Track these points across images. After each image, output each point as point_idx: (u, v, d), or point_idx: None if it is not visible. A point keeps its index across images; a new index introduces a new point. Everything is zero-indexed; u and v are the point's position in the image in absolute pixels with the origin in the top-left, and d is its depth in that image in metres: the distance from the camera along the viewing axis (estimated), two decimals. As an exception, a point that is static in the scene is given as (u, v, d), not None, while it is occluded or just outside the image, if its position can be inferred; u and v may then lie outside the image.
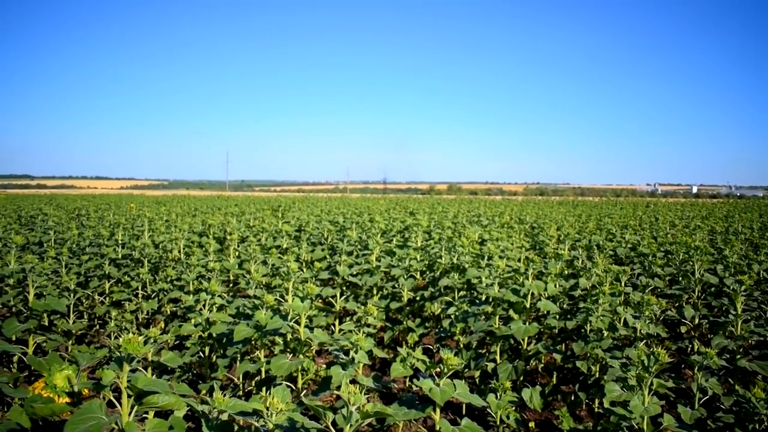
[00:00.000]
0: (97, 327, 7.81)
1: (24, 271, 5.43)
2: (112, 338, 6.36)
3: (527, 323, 5.16)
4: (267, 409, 2.21)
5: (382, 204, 29.85)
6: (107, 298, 7.86)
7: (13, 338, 4.99)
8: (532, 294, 5.45)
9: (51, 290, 5.88)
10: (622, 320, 5.32)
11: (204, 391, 4.93)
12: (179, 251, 9.70)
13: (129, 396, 2.48)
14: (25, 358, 4.55)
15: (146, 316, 7.35)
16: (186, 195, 57.16)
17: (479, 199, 43.01)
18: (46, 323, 5.94)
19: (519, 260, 7.89)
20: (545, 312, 5.44)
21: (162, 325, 7.13)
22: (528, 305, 5.42)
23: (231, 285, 8.23)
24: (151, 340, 2.86)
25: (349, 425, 2.04)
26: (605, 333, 5.07)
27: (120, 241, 9.62)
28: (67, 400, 2.92)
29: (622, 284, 6.34)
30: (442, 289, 7.38)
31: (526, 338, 5.19)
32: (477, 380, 5.67)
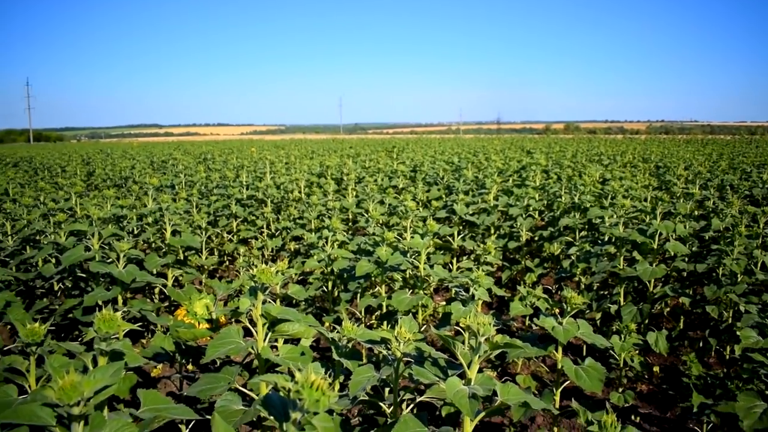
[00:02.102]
0: (227, 263, 8.27)
1: (161, 210, 5.79)
2: (242, 273, 6.70)
3: (654, 265, 4.95)
4: (395, 338, 2.26)
5: (497, 144, 29.32)
6: (235, 236, 8.28)
7: (154, 272, 5.35)
8: (660, 234, 5.21)
9: (185, 228, 6.24)
10: (759, 264, 4.99)
11: (327, 323, 5.12)
12: (300, 191, 10.00)
13: (263, 324, 2.61)
14: (165, 290, 4.90)
15: (271, 254, 7.68)
16: (302, 139, 58.62)
17: (598, 138, 41.25)
18: (182, 258, 6.33)
19: (645, 200, 7.55)
20: (673, 254, 5.19)
21: (286, 261, 7.44)
22: (655, 246, 5.20)
23: (350, 223, 8.42)
24: (281, 273, 2.98)
25: (477, 356, 2.05)
26: (740, 277, 4.79)
27: (244, 183, 10.03)
28: (207, 326, 3.12)
29: (760, 226, 5.92)
30: (561, 229, 7.21)
31: (653, 280, 4.99)
32: (598, 322, 5.55)
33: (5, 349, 3.24)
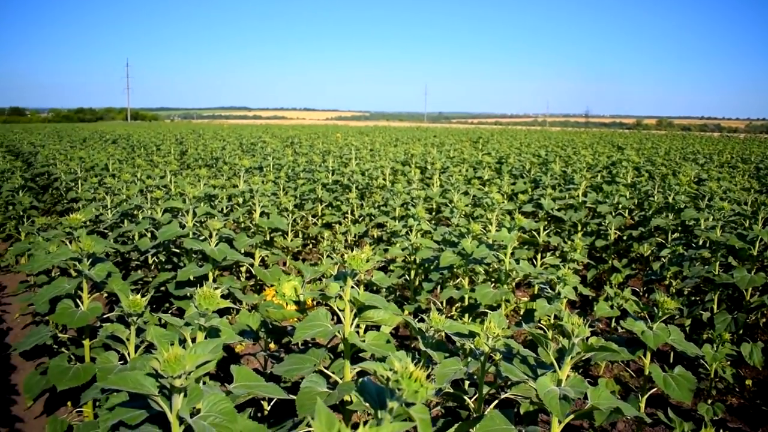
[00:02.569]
0: (310, 246, 8.42)
1: (251, 192, 5.94)
2: (324, 256, 6.80)
3: (752, 272, 4.70)
4: (484, 332, 2.23)
5: (585, 138, 28.54)
6: (320, 220, 8.42)
7: (242, 251, 5.51)
8: (761, 240, 4.94)
9: (272, 210, 6.39)
10: None
11: (406, 312, 5.14)
12: (384, 179, 10.04)
13: (350, 309, 2.64)
14: (252, 269, 5.03)
15: (354, 239, 7.76)
16: (386, 126, 58.80)
17: (693, 136, 39.39)
18: (268, 239, 6.48)
19: (744, 203, 7.18)
20: (775, 261, 4.92)
21: (368, 248, 7.50)
22: (755, 253, 4.93)
23: (434, 213, 8.40)
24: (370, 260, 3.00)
25: (570, 357, 2.00)
26: None
27: (330, 168, 10.17)
28: (294, 307, 3.19)
29: None
30: (652, 230, 6.96)
31: (750, 289, 4.74)
32: (687, 329, 5.33)
33: (104, 317, 3.41)
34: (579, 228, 7.46)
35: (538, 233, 6.63)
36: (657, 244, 6.72)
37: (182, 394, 1.57)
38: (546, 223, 7.42)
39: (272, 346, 4.81)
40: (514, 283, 6.15)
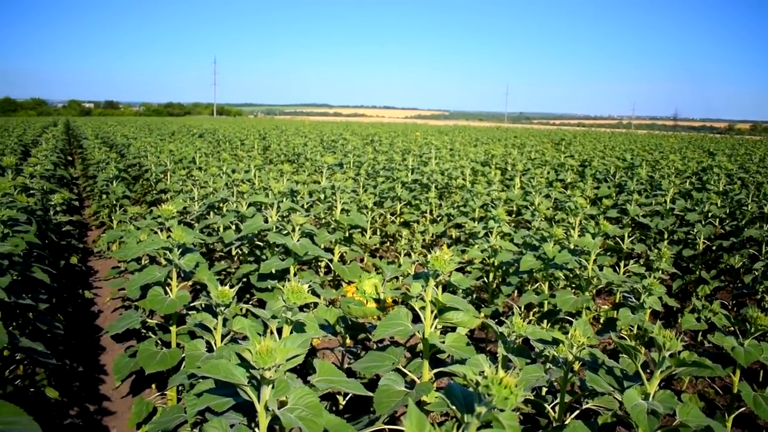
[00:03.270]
0: (388, 243, 8.46)
1: (333, 188, 6.02)
2: (402, 255, 6.82)
3: None
4: (568, 340, 2.19)
5: (673, 142, 27.53)
6: (398, 218, 8.45)
7: (322, 246, 5.59)
8: None
9: (352, 207, 6.45)
10: None
11: (482, 315, 5.09)
12: (464, 179, 9.98)
13: (431, 310, 2.64)
14: (331, 265, 5.10)
15: (432, 239, 7.74)
16: (466, 125, 58.43)
17: (792, 142, 37.32)
18: (347, 236, 6.55)
19: None
20: None
21: (446, 248, 7.47)
22: None
23: (514, 215, 8.29)
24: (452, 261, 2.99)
25: (659, 371, 1.93)
26: None
27: (410, 167, 10.19)
28: (374, 305, 3.21)
29: None
30: (744, 240, 6.63)
31: None
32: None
33: (190, 305, 3.53)
34: (665, 236, 7.20)
35: (623, 240, 6.44)
36: (749, 255, 6.41)
37: (270, 386, 1.61)
38: (630, 229, 7.20)
39: (349, 342, 4.87)
40: (595, 291, 5.99)
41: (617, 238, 6.44)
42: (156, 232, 4.69)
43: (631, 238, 6.74)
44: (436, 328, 2.76)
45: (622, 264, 6.58)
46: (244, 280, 4.94)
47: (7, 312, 3.52)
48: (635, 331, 4.65)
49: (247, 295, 5.29)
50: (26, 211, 4.43)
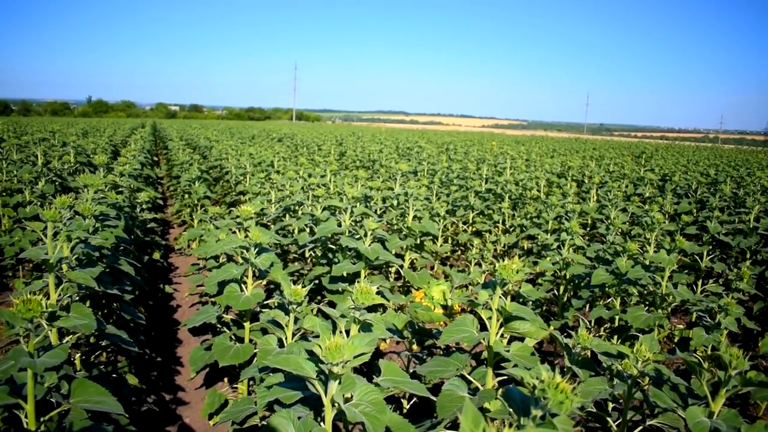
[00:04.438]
0: (459, 252, 8.47)
1: (406, 195, 6.10)
2: (472, 264, 6.83)
3: None
4: (633, 354, 2.18)
5: (762, 157, 26.33)
6: (470, 227, 8.45)
7: (393, 252, 5.67)
8: None
9: (424, 214, 6.52)
10: None
11: (552, 328, 5.04)
12: (539, 190, 9.89)
13: (497, 318, 2.66)
14: (401, 271, 5.17)
15: (503, 249, 7.71)
16: (543, 136, 57.57)
17: None
18: (418, 243, 6.62)
19: None
20: None
21: (517, 259, 7.43)
22: None
23: (588, 229, 8.17)
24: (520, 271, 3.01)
25: (725, 389, 1.90)
26: None
27: (484, 176, 10.16)
28: (442, 311, 3.26)
29: None
30: (836, 263, 6.32)
31: None
32: None
33: (264, 303, 3.67)
34: (748, 255, 6.93)
35: (701, 258, 6.25)
36: (840, 280, 6.10)
37: (337, 381, 1.68)
38: (710, 247, 6.97)
39: (415, 347, 4.93)
40: (669, 309, 5.83)
41: (695, 256, 6.25)
42: (234, 232, 4.88)
43: (710, 257, 6.53)
44: (502, 336, 2.78)
45: (699, 283, 6.38)
46: (316, 281, 5.08)
47: (94, 300, 3.75)
48: (710, 352, 4.51)
49: (318, 297, 5.43)
50: (115, 207, 4.69)
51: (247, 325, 3.66)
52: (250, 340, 3.62)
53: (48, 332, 2.23)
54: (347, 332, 2.23)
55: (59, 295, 2.70)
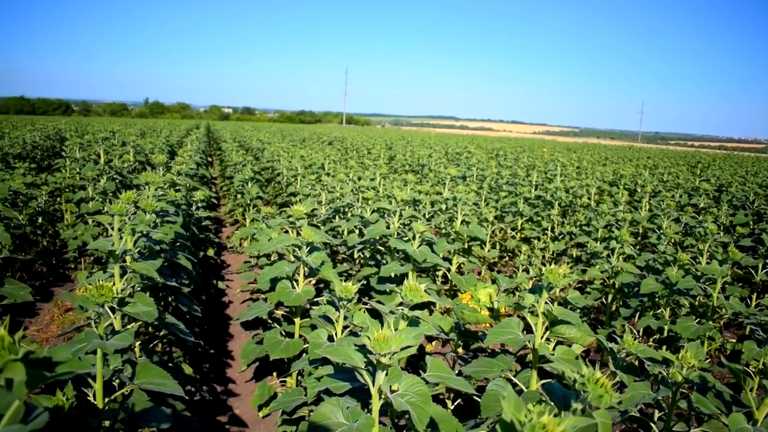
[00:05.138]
0: (506, 258, 8.46)
1: (455, 200, 6.15)
2: (520, 270, 6.83)
3: None
4: (678, 361, 2.19)
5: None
6: (518, 234, 8.43)
7: (440, 255, 5.72)
8: None
9: (473, 219, 6.54)
10: None
11: (600, 335, 5.02)
12: (589, 198, 9.80)
13: (543, 322, 2.70)
14: (448, 274, 5.22)
15: (551, 256, 7.68)
16: (596, 143, 56.61)
17: None
18: (466, 247, 6.65)
19: None
20: None
21: (566, 266, 7.38)
22: None
23: (639, 238, 8.07)
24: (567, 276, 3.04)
25: (770, 397, 1.91)
26: None
27: (534, 183, 10.12)
28: (488, 313, 3.31)
29: None
30: None
31: None
32: None
33: (313, 300, 3.78)
34: (807, 269, 6.74)
35: (756, 271, 6.12)
36: None
37: (384, 372, 1.76)
38: (766, 260, 6.81)
39: (460, 350, 4.97)
40: (721, 322, 5.73)
41: (750, 269, 6.12)
42: (286, 231, 5.01)
43: (765, 270, 6.38)
44: (547, 340, 2.81)
45: (753, 297, 6.26)
46: (364, 282, 5.17)
47: (153, 292, 3.91)
48: (760, 366, 4.43)
49: (366, 297, 5.52)
50: (174, 204, 4.88)
51: (297, 321, 3.77)
52: (300, 336, 3.72)
53: (113, 319, 2.37)
54: (395, 329, 2.30)
55: (123, 284, 2.84)
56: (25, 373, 0.91)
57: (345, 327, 2.91)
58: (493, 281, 3.39)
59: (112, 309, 2.35)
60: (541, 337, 2.70)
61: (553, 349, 2.77)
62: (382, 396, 1.79)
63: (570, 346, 2.82)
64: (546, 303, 2.67)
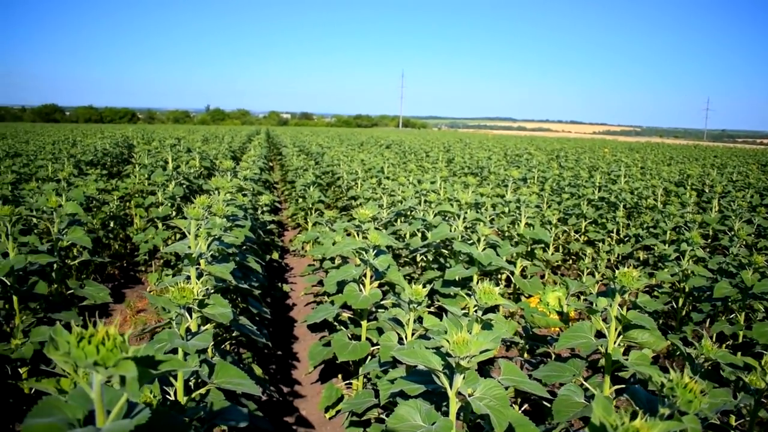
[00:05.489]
0: (570, 261, 8.33)
1: (518, 202, 6.10)
2: (585, 274, 6.72)
3: None
4: (761, 367, 2.13)
5: None
6: (582, 236, 8.30)
7: (504, 258, 5.69)
8: None
9: (535, 222, 6.47)
10: None
11: (670, 342, 4.90)
12: (655, 199, 9.56)
13: (615, 326, 2.66)
14: (512, 277, 5.18)
15: (617, 259, 7.53)
16: (659, 143, 55.08)
17: None
18: (529, 250, 6.58)
19: None
20: None
21: (632, 269, 7.23)
22: None
23: (709, 240, 7.83)
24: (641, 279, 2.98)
25: None
26: None
27: (597, 184, 9.94)
28: (557, 317, 3.27)
29: None
30: None
31: None
32: None
33: (380, 303, 3.81)
34: None
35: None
36: None
37: (462, 375, 1.77)
38: None
39: (526, 355, 4.93)
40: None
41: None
42: (349, 234, 5.07)
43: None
44: (619, 345, 2.77)
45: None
46: (428, 285, 5.18)
47: (224, 294, 4.02)
48: None
49: (429, 301, 5.53)
50: (242, 208, 5.00)
51: (363, 323, 3.81)
52: (366, 338, 3.76)
53: (190, 321, 2.45)
54: (469, 332, 2.31)
55: (200, 287, 2.94)
56: (136, 370, 0.96)
57: (414, 330, 2.93)
58: (563, 285, 3.35)
59: (189, 310, 2.44)
60: (615, 342, 2.66)
61: (623, 353, 2.73)
62: (460, 399, 1.80)
63: (640, 350, 2.77)
64: (618, 307, 2.63)
